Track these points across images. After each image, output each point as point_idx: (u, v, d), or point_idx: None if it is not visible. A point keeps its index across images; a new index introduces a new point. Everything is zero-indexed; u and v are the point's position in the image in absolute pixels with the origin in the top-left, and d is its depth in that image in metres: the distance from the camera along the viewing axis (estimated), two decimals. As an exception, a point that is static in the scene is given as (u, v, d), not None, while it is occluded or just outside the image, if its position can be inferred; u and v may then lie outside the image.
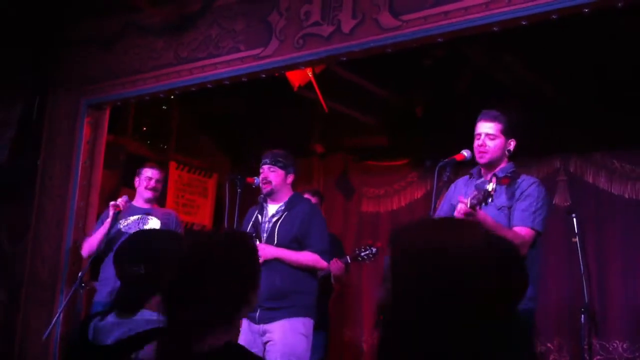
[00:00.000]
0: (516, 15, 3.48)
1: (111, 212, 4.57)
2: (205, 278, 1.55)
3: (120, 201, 4.59)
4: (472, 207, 2.84)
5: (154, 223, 4.67)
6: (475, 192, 2.88)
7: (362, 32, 4.02)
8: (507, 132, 3.23)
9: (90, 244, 4.62)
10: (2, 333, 5.28)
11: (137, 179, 4.83)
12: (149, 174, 4.77)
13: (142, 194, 4.77)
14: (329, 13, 4.18)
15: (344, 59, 4.28)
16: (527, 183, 3.18)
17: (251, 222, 3.96)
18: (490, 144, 3.21)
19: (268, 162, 3.92)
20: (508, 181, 2.85)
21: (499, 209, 3.12)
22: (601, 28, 4.27)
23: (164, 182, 4.93)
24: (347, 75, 5.53)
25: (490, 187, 2.75)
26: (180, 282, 1.57)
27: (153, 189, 4.76)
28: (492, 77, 5.38)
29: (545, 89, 5.43)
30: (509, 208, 3.13)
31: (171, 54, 4.92)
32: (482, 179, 3.09)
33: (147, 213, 4.72)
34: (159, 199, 5.04)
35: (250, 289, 1.62)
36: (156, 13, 5.05)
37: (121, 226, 4.62)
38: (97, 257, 4.58)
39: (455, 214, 2.91)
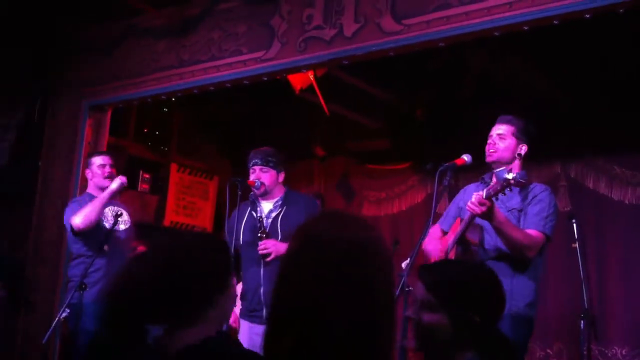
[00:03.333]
0: (517, 21, 3.50)
1: (118, 184, 4.35)
2: (162, 276, 1.51)
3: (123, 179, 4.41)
4: (489, 197, 2.84)
5: (125, 216, 4.47)
6: (494, 183, 2.88)
7: (364, 36, 4.04)
8: (518, 136, 3.23)
9: (89, 215, 4.25)
10: (3, 337, 5.28)
11: (88, 170, 4.58)
12: (100, 162, 4.51)
13: (100, 183, 4.48)
14: (331, 17, 4.19)
15: (346, 62, 4.29)
16: (540, 189, 3.20)
17: (245, 219, 3.88)
18: (500, 143, 3.21)
19: (259, 162, 3.84)
20: (523, 184, 2.85)
21: (509, 211, 3.12)
22: (604, 33, 4.28)
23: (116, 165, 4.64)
24: (349, 79, 5.54)
25: (510, 175, 2.75)
26: (140, 280, 1.54)
27: (110, 176, 4.48)
28: (493, 81, 5.38)
29: (547, 94, 5.43)
30: (519, 211, 3.14)
31: (173, 56, 4.93)
32: (502, 169, 3.09)
33: (116, 205, 4.48)
34: (161, 200, 4.96)
35: (215, 291, 1.56)
36: (158, 16, 5.06)
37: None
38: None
39: (469, 204, 2.92)
